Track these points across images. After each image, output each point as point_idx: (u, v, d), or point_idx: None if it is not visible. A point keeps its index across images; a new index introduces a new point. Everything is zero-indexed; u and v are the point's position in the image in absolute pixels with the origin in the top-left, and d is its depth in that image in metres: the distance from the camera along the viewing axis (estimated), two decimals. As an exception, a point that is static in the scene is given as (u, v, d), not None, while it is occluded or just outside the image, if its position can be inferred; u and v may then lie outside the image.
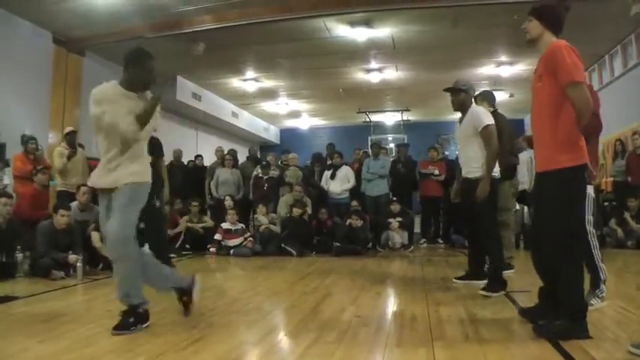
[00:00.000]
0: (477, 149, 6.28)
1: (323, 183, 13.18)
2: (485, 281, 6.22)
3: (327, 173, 13.18)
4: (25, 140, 10.25)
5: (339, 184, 12.91)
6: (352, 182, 12.97)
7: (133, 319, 4.61)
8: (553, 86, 4.07)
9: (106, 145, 4.81)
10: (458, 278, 7.04)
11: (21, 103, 11.36)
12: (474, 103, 6.60)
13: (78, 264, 7.82)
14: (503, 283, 6.10)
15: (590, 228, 4.98)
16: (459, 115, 6.69)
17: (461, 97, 6.51)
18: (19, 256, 8.07)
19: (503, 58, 14.58)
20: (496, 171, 6.33)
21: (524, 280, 6.16)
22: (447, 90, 6.67)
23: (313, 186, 13.42)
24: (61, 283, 7.48)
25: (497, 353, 3.71)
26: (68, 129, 10.58)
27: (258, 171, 13.35)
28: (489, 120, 6.24)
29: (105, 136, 4.80)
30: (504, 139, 6.68)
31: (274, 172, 13.36)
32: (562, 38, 4.22)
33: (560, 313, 4.11)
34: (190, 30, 11.88)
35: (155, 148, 8.92)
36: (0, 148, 10.35)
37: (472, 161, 6.37)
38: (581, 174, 4.10)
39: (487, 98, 7.36)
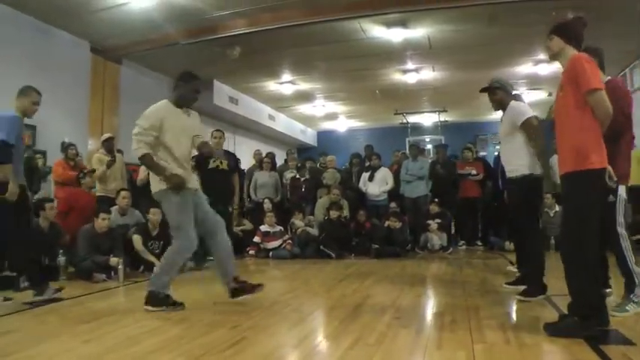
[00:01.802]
0: (517, 147, 6.09)
1: (361, 185, 13.18)
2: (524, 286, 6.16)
3: (366, 175, 13.16)
4: (65, 147, 10.40)
5: (377, 185, 12.90)
6: (391, 184, 12.94)
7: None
8: (574, 95, 4.20)
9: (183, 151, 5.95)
10: (508, 283, 6.83)
11: (61, 112, 11.53)
12: (513, 100, 6.39)
13: (119, 266, 7.94)
14: (543, 287, 5.96)
15: (622, 230, 4.93)
16: (497, 114, 6.63)
17: (497, 95, 6.41)
18: (62, 259, 8.19)
19: (541, 56, 14.37)
20: (538, 169, 6.14)
21: (565, 283, 6.08)
22: (482, 90, 6.58)
23: (352, 188, 13.41)
24: (103, 285, 7.61)
25: (538, 358, 3.69)
26: (106, 135, 10.71)
27: (293, 172, 13.39)
28: (530, 112, 6.08)
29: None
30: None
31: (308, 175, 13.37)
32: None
33: (571, 312, 4.17)
34: (225, 35, 11.96)
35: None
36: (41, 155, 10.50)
37: (512, 160, 6.20)
38: (599, 177, 4.15)
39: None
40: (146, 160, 5.67)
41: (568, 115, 4.26)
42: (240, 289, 5.90)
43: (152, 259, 8.65)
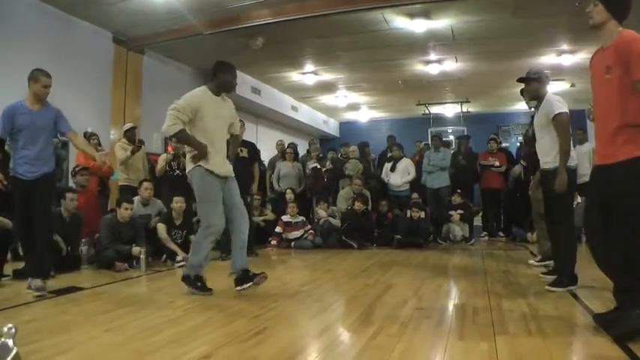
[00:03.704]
0: (551, 139, 6.07)
1: (383, 175, 13.23)
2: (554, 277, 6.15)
3: (388, 165, 13.21)
4: (87, 137, 10.43)
5: (399, 176, 12.92)
6: (412, 174, 12.96)
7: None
8: (624, 79, 3.91)
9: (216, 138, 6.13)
10: (545, 274, 6.86)
11: (83, 102, 11.59)
12: (549, 92, 6.37)
13: (141, 256, 7.97)
14: (574, 278, 5.92)
15: None
16: (520, 105, 6.64)
17: (532, 86, 6.38)
18: (84, 248, 8.25)
19: (565, 46, 14.29)
20: (572, 160, 6.09)
21: (587, 274, 6.05)
22: (519, 80, 6.59)
23: (373, 178, 13.40)
24: (125, 274, 7.66)
25: (561, 349, 3.67)
26: (128, 125, 10.79)
27: (315, 163, 13.36)
28: (562, 108, 6.01)
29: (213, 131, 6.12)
30: None
31: (330, 165, 13.36)
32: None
33: (631, 305, 3.92)
34: (248, 25, 11.92)
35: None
36: (64, 145, 10.53)
37: (547, 152, 6.19)
38: None
39: None
40: (181, 134, 5.88)
41: (616, 101, 4.00)
42: (242, 277, 5.99)
43: (175, 247, 8.74)
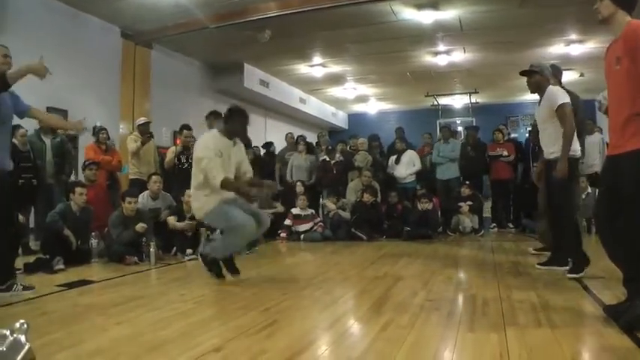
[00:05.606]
0: (555, 130, 6.21)
1: (389, 169, 13.24)
2: (568, 266, 6.21)
3: (393, 158, 13.25)
4: (97, 131, 10.47)
5: (403, 168, 12.95)
6: (418, 166, 13.00)
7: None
8: (632, 69, 3.90)
9: None
10: (540, 264, 6.94)
11: (92, 96, 11.65)
12: (551, 84, 6.49)
13: (151, 249, 7.99)
14: (587, 259, 6.07)
15: None
16: (528, 96, 6.67)
17: (534, 78, 6.52)
18: (94, 242, 8.27)
19: (573, 36, 14.22)
20: (575, 150, 6.24)
21: (597, 266, 6.03)
22: (521, 73, 6.72)
23: (381, 169, 13.39)
24: (135, 268, 7.69)
25: (570, 341, 3.65)
26: (142, 120, 10.86)
27: (324, 156, 13.37)
28: (564, 98, 6.16)
29: None
30: (579, 119, 6.58)
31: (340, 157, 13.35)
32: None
33: (637, 295, 3.93)
34: (256, 17, 11.91)
35: None
36: (73, 140, 10.56)
37: (551, 143, 6.31)
38: None
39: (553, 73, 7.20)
40: (225, 183, 6.06)
41: (625, 91, 3.98)
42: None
43: (183, 225, 8.92)
